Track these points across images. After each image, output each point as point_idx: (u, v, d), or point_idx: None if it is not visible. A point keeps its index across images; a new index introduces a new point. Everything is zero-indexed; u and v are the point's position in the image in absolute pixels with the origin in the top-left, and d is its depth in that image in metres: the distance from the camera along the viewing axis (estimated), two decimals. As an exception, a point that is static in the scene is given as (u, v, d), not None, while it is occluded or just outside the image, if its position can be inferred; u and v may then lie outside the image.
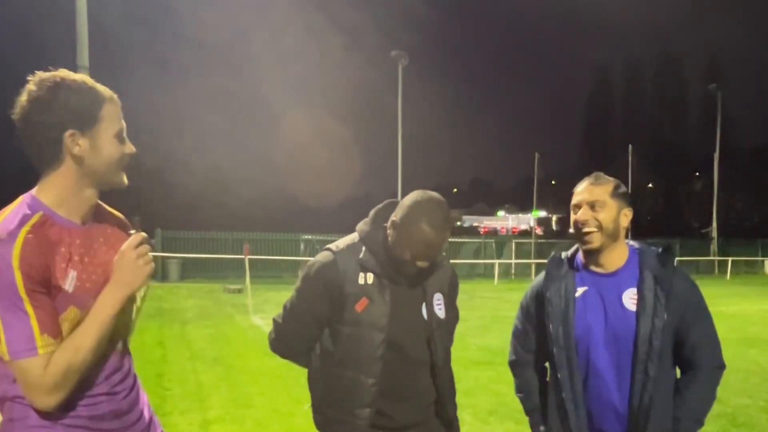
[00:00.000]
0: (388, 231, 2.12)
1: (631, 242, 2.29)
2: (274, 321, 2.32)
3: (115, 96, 1.70)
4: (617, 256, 2.22)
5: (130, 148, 1.72)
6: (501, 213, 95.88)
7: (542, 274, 2.37)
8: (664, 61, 78.77)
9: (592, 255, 2.23)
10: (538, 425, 2.38)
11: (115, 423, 1.72)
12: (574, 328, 2.20)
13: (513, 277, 28.11)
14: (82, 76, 1.65)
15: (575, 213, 2.23)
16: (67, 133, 1.58)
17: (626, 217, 2.21)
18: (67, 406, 1.59)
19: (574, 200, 2.25)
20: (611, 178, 2.26)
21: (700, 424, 2.19)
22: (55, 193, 1.62)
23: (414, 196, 2.09)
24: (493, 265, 26.36)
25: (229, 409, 5.72)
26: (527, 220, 76.73)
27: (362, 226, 2.24)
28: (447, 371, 2.27)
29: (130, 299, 1.73)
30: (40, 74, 1.61)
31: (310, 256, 25.14)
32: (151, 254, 1.70)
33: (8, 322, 1.47)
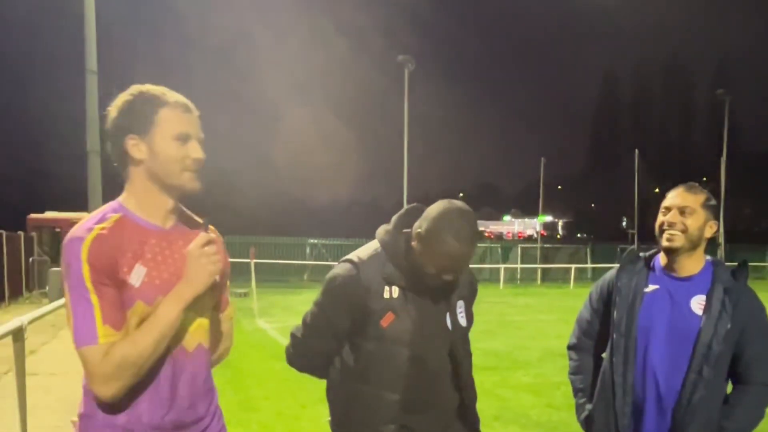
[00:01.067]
0: (413, 243, 2.01)
1: (708, 256, 2.38)
2: (292, 335, 2.23)
3: (181, 100, 1.74)
4: (694, 263, 2.32)
5: (195, 151, 1.73)
6: (507, 217, 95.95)
7: (614, 269, 2.52)
8: (671, 66, 78.59)
9: (671, 257, 2.31)
10: (584, 404, 2.50)
11: None
12: (637, 319, 2.31)
13: (518, 282, 28.04)
14: (151, 86, 1.74)
15: (664, 215, 2.32)
16: (128, 138, 1.69)
17: (711, 228, 2.32)
18: (130, 410, 1.65)
19: (666, 203, 2.33)
20: (704, 190, 2.35)
21: None
22: (134, 197, 1.73)
23: (440, 206, 1.98)
24: (498, 269, 26.31)
25: (235, 412, 5.72)
26: (533, 225, 76.59)
27: (384, 235, 2.12)
28: (469, 378, 2.21)
29: (206, 303, 1.78)
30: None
31: (316, 260, 25.33)
32: (217, 255, 1.72)
33: (76, 311, 1.58)
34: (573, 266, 26.68)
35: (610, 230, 65.43)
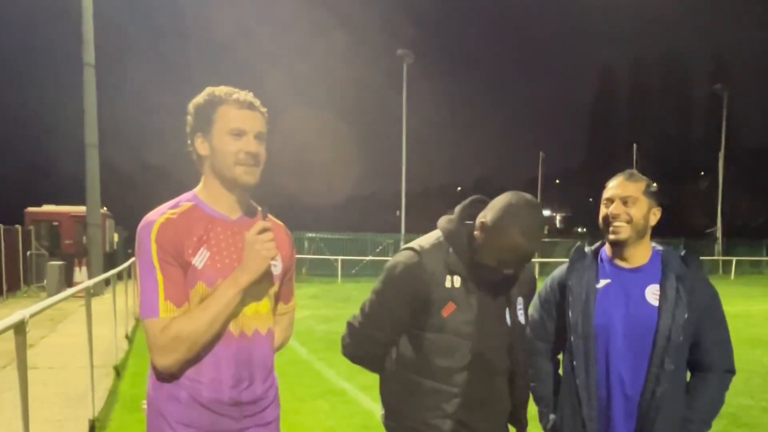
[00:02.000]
0: (476, 233, 1.96)
1: (654, 243, 2.33)
2: (349, 324, 2.19)
3: (242, 98, 1.84)
4: (642, 253, 2.26)
5: (248, 145, 1.82)
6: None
7: (563, 266, 2.43)
8: (669, 60, 78.54)
9: (618, 248, 2.26)
10: (548, 413, 2.40)
11: (234, 410, 1.83)
12: (593, 318, 2.23)
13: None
14: (222, 88, 1.86)
15: (606, 207, 2.26)
16: (197, 137, 1.85)
17: (655, 216, 2.27)
18: (191, 385, 1.78)
19: (607, 194, 2.28)
20: (644, 177, 2.30)
21: (708, 426, 2.23)
22: (205, 189, 1.89)
23: (507, 198, 1.93)
24: (496, 264, 26.23)
25: (233, 406, 5.74)
26: (531, 219, 76.20)
27: (446, 224, 2.08)
28: (524, 378, 2.17)
29: (263, 290, 1.88)
30: None
31: (314, 255, 25.32)
32: (272, 242, 1.80)
33: (144, 285, 1.74)
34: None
35: (607, 224, 65.31)
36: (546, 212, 73.16)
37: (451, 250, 2.01)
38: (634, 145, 36.26)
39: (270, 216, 1.98)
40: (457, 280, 1.99)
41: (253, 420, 1.88)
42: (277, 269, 1.95)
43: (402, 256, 2.05)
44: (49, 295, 14.74)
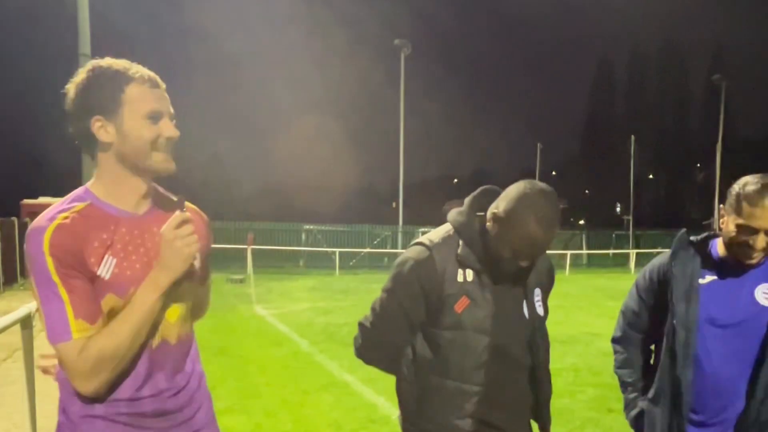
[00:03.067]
0: (488, 224, 1.89)
1: None
2: (361, 325, 2.08)
3: (148, 75, 1.61)
4: None
5: (168, 130, 1.61)
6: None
7: (663, 256, 2.35)
8: (667, 51, 78.49)
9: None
10: (636, 399, 2.36)
11: (160, 421, 1.66)
12: (697, 315, 2.15)
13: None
14: (113, 61, 1.61)
15: (748, 235, 2.02)
16: (94, 120, 1.57)
17: None
18: (108, 400, 1.58)
19: (755, 223, 2.00)
20: None
21: None
22: (102, 183, 1.62)
23: (521, 187, 1.84)
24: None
25: (237, 399, 5.71)
26: (528, 211, 76.30)
27: (456, 216, 1.99)
28: (546, 373, 2.06)
29: (187, 291, 1.68)
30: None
31: (311, 247, 25.30)
32: (194, 236, 1.59)
33: (46, 307, 1.50)
34: (568, 252, 26.75)
35: (604, 216, 65.66)
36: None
37: (461, 243, 1.94)
38: (632, 137, 36.23)
39: (188, 203, 1.78)
40: (470, 274, 1.92)
41: (182, 428, 1.72)
42: (197, 262, 1.72)
43: (412, 252, 1.98)
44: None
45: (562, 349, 8.47)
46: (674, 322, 2.19)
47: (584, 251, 29.84)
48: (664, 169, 66.92)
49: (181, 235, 1.56)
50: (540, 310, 2.04)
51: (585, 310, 12.60)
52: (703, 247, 2.26)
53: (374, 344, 2.07)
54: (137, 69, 1.61)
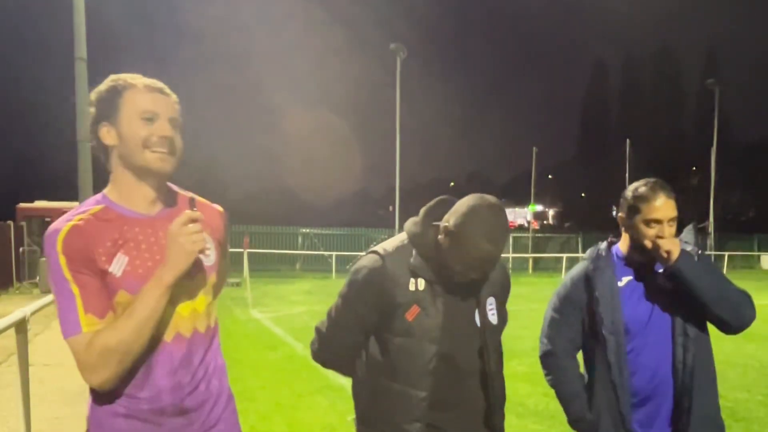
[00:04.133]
0: (440, 237, 1.93)
1: None
2: (317, 329, 2.18)
3: (151, 84, 1.70)
4: None
5: (162, 129, 1.67)
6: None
7: (580, 264, 2.46)
8: (661, 55, 78.64)
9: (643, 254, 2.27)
10: (582, 412, 2.38)
11: (179, 420, 1.72)
12: (622, 317, 2.26)
13: (510, 271, 28.09)
14: (125, 75, 1.71)
15: (651, 228, 2.20)
16: (101, 127, 1.69)
17: None
18: (129, 398, 1.66)
19: (657, 215, 2.20)
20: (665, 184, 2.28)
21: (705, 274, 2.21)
22: (116, 187, 1.73)
23: (470, 201, 1.89)
24: (490, 259, 26.28)
25: (232, 402, 5.73)
26: (524, 215, 76.78)
27: (412, 226, 2.05)
28: (498, 379, 2.10)
29: (197, 286, 1.74)
30: None
31: (308, 250, 25.28)
32: (200, 234, 1.64)
33: (60, 303, 1.61)
34: (564, 255, 26.81)
35: (600, 219, 65.70)
36: (538, 207, 73.22)
37: (414, 252, 1.99)
38: (627, 140, 36.30)
39: (201, 199, 1.86)
40: (422, 283, 1.97)
41: (203, 425, 1.77)
42: (210, 259, 1.80)
43: (366, 260, 2.03)
44: (42, 292, 14.67)
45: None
46: (603, 331, 2.26)
47: (580, 254, 29.87)
48: (659, 172, 66.45)
49: (187, 232, 1.61)
50: (493, 319, 2.07)
51: (580, 313, 12.56)
52: (609, 255, 2.39)
53: (329, 348, 2.14)
54: (143, 80, 1.71)
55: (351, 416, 2.17)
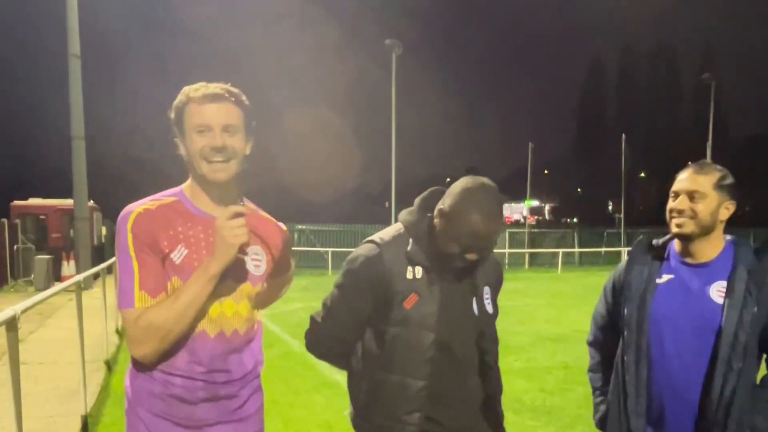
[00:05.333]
0: (435, 220, 1.95)
1: (728, 236, 2.22)
2: (312, 319, 2.16)
3: (207, 91, 1.78)
4: (710, 248, 2.16)
5: (213, 140, 1.78)
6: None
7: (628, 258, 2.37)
8: (657, 50, 78.81)
9: (685, 243, 2.17)
10: (599, 404, 2.43)
11: (211, 408, 1.84)
12: (649, 314, 2.17)
13: (506, 266, 28.17)
14: (195, 85, 1.81)
15: (673, 200, 2.16)
16: (177, 140, 1.85)
17: (727, 210, 2.15)
18: (165, 381, 1.79)
19: (674, 187, 2.17)
20: (719, 168, 2.16)
21: None
22: (190, 186, 1.89)
23: (463, 182, 1.91)
24: (487, 254, 26.31)
25: (227, 400, 5.70)
26: (520, 210, 76.89)
27: (406, 215, 2.07)
28: (495, 370, 2.09)
29: (242, 290, 1.86)
30: None
31: (303, 247, 25.27)
32: (242, 228, 1.74)
33: (121, 276, 1.75)
34: (560, 251, 26.83)
35: (596, 215, 65.84)
36: (535, 203, 73.35)
37: (411, 240, 1.99)
38: (623, 135, 36.32)
39: (264, 213, 2.02)
40: (419, 271, 1.96)
41: (232, 415, 1.89)
42: (259, 270, 1.93)
43: (362, 249, 2.03)
44: (37, 290, 14.62)
45: (553, 347, 8.51)
46: (624, 328, 2.23)
47: (576, 249, 29.93)
48: (656, 167, 67.07)
49: (230, 226, 1.73)
50: (489, 308, 2.07)
51: (576, 309, 12.61)
52: (663, 249, 2.29)
53: (323, 339, 2.12)
54: (204, 88, 1.80)
55: (347, 411, 2.14)
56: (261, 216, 2.03)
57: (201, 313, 1.77)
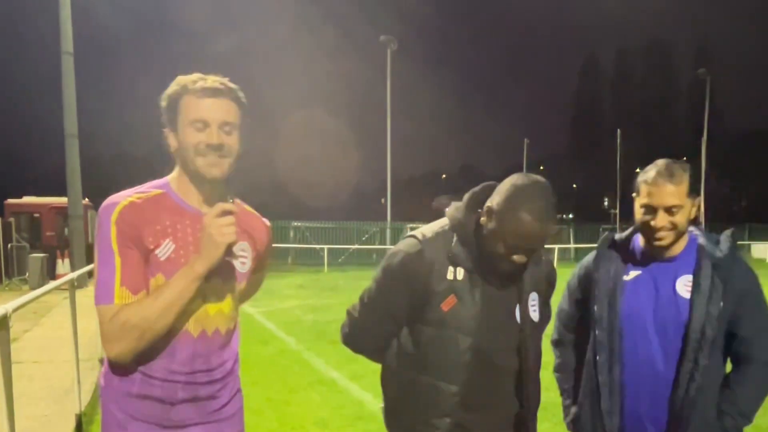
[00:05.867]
0: (482, 219, 1.84)
1: (692, 228, 2.17)
2: (349, 313, 2.08)
3: (207, 85, 1.72)
4: (677, 243, 2.11)
5: (210, 137, 1.71)
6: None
7: (591, 254, 2.31)
8: (652, 46, 78.92)
9: (656, 245, 2.11)
10: (569, 406, 2.36)
11: (191, 409, 1.78)
12: (620, 312, 2.13)
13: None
14: (191, 75, 1.75)
15: (647, 214, 2.06)
16: (167, 131, 1.77)
17: (695, 208, 2.10)
18: (143, 382, 1.72)
19: (650, 201, 2.05)
20: (684, 167, 2.07)
21: (748, 420, 2.09)
22: (177, 179, 1.81)
23: (514, 179, 1.80)
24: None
25: (223, 397, 5.69)
26: (516, 206, 76.58)
27: (454, 212, 1.94)
28: (535, 382, 1.97)
29: (225, 288, 1.80)
30: None
31: (299, 244, 25.24)
32: (231, 227, 1.68)
33: (101, 270, 1.66)
34: (556, 246, 26.87)
35: (591, 210, 65.94)
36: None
37: (455, 239, 1.89)
38: (618, 131, 36.40)
39: (248, 208, 1.96)
40: (461, 272, 1.87)
41: (212, 416, 1.83)
42: (244, 267, 1.88)
43: (403, 245, 1.94)
44: (32, 288, 14.55)
45: (546, 342, 8.51)
46: (595, 328, 2.18)
47: (572, 245, 29.99)
48: (651, 162, 67.21)
49: (218, 224, 1.66)
50: (534, 316, 1.95)
51: (572, 304, 12.60)
52: (627, 244, 2.24)
53: (360, 333, 2.05)
54: (203, 80, 1.73)
55: (381, 404, 2.09)
56: (246, 210, 1.97)
57: (184, 313, 1.69)
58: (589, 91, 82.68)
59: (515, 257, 1.80)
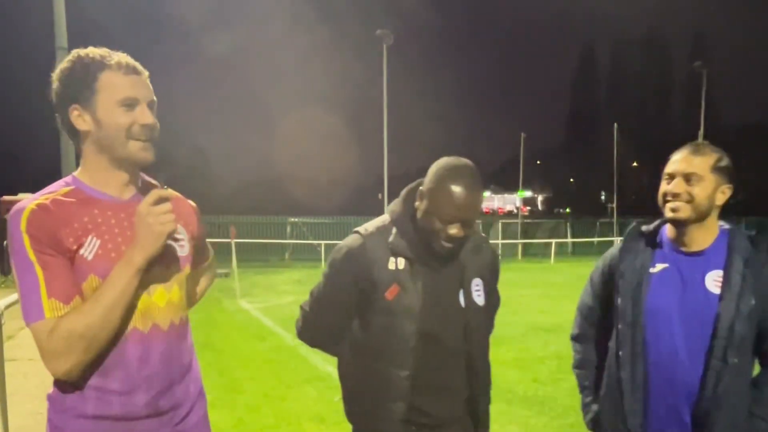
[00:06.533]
0: (417, 203, 1.96)
1: (723, 223, 2.12)
2: (301, 308, 2.19)
3: (126, 62, 1.60)
4: (705, 235, 2.05)
5: (144, 117, 1.59)
6: (487, 193, 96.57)
7: (616, 246, 2.26)
8: (649, 39, 78.88)
9: (678, 230, 2.06)
10: (590, 404, 2.30)
11: (152, 422, 1.64)
12: (644, 306, 2.06)
13: (500, 257, 28.16)
14: (92, 49, 1.62)
15: (667, 183, 2.04)
16: (72, 109, 1.59)
17: (724, 194, 2.05)
18: (99, 398, 1.57)
19: (668, 169, 2.04)
20: (715, 149, 2.05)
21: None
22: (87, 170, 1.65)
23: (440, 161, 1.95)
24: (480, 245, 26.34)
25: (219, 394, 5.67)
26: (513, 201, 76.99)
27: (393, 206, 2.08)
28: (483, 362, 2.08)
29: (171, 275, 1.68)
30: None
31: (296, 240, 25.19)
32: (170, 215, 1.56)
33: (22, 285, 1.50)
34: (553, 241, 26.89)
35: (589, 204, 66.02)
36: (527, 193, 73.47)
37: (394, 230, 2.00)
38: (615, 125, 36.36)
39: (174, 192, 1.79)
40: (402, 262, 1.97)
41: (176, 429, 1.70)
42: (184, 250, 1.75)
43: (347, 240, 2.05)
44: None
45: (546, 337, 8.52)
46: (618, 323, 2.12)
47: (569, 240, 29.99)
48: (647, 156, 67.23)
49: (156, 212, 1.54)
50: (479, 300, 2.05)
51: (570, 299, 12.60)
52: (654, 236, 2.18)
53: (312, 327, 2.16)
54: (116, 56, 1.61)
55: (338, 396, 2.18)
56: (172, 194, 1.79)
57: (129, 311, 1.56)
58: (585, 84, 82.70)
59: (451, 231, 1.88)
